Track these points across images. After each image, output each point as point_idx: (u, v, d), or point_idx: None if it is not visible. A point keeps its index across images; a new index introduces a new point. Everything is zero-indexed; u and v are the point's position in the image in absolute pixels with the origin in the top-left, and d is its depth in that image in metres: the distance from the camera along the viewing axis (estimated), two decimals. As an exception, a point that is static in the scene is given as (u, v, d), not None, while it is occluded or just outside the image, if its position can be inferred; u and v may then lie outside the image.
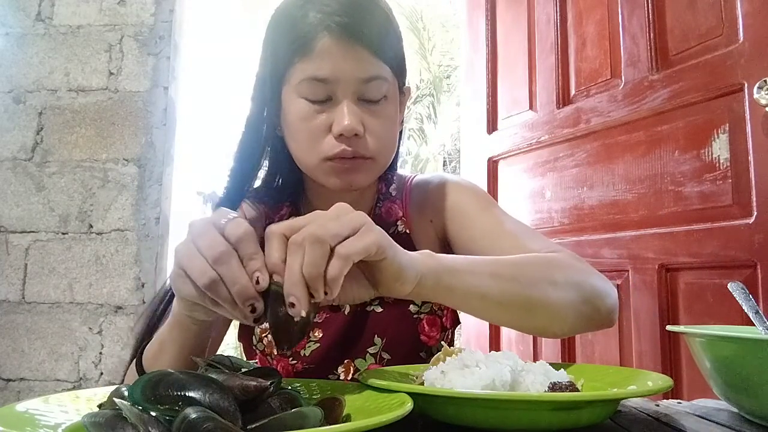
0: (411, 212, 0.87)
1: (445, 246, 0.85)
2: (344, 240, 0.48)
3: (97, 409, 0.42)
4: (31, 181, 1.99)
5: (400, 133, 0.87)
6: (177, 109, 2.10)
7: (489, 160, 1.95)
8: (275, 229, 0.49)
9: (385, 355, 0.80)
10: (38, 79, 2.04)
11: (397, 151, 0.91)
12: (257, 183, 0.86)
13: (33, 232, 1.97)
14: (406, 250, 0.55)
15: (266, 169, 0.86)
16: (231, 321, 0.87)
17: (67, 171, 1.99)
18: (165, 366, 0.60)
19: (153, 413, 0.38)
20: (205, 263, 0.47)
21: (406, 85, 0.82)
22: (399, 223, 0.85)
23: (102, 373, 1.90)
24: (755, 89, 1.22)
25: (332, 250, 0.47)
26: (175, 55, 2.08)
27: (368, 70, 0.70)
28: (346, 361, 0.81)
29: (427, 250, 0.59)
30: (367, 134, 0.72)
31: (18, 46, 2.06)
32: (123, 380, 0.70)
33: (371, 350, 0.80)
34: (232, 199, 0.83)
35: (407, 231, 0.85)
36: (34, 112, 2.03)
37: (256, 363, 0.84)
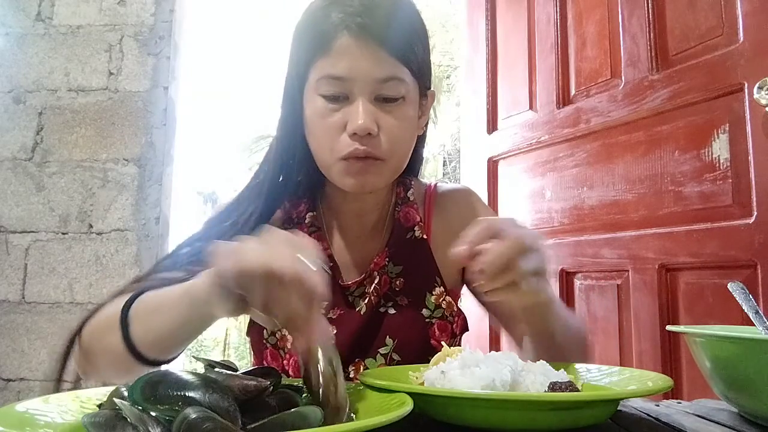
0: (433, 220, 0.87)
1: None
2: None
3: (97, 409, 0.42)
4: (31, 181, 1.99)
5: (423, 137, 0.88)
6: (177, 109, 2.10)
7: (489, 160, 1.95)
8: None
9: (396, 357, 0.80)
10: (38, 79, 2.04)
11: (420, 156, 0.92)
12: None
13: (33, 232, 1.97)
14: None
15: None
16: None
17: (67, 171, 1.99)
18: (157, 334, 0.59)
19: (153, 413, 0.38)
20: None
21: (431, 89, 0.83)
22: (416, 228, 0.86)
23: (102, 373, 1.90)
24: (755, 89, 1.22)
25: None
26: (175, 55, 2.08)
27: (385, 70, 0.71)
28: (356, 360, 0.81)
29: None
30: (381, 134, 0.72)
31: (18, 46, 2.06)
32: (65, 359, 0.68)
33: (382, 351, 0.81)
34: (271, 204, 0.80)
35: (424, 236, 0.85)
36: (34, 112, 2.03)
37: (266, 358, 0.84)
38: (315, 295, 0.46)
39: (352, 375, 0.81)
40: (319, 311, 0.48)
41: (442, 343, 0.82)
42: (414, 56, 0.74)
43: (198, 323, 0.57)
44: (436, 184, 0.92)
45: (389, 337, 0.81)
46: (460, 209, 0.88)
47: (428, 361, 0.80)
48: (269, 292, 0.46)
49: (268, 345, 0.83)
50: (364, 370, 0.80)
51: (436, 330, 0.82)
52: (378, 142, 0.72)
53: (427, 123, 0.86)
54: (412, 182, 0.91)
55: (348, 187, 0.75)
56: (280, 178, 0.80)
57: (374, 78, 0.71)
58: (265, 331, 0.83)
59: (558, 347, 0.70)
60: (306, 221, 0.86)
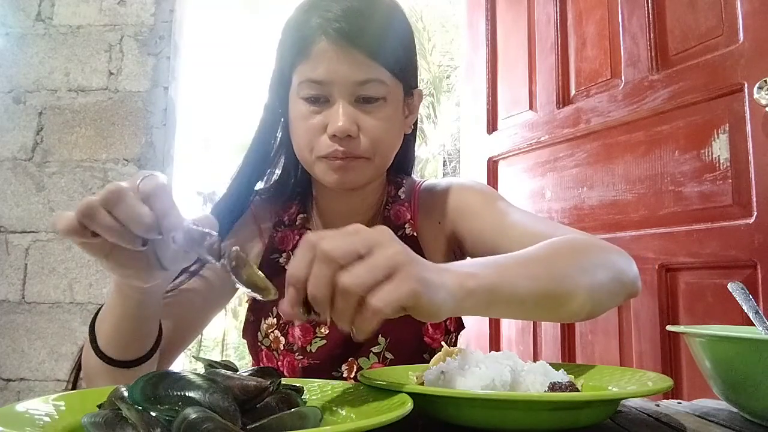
0: (419, 215, 0.88)
1: (454, 245, 0.86)
2: (377, 286, 0.43)
3: (97, 409, 0.42)
4: (31, 181, 1.99)
5: (413, 136, 0.89)
6: (177, 109, 2.10)
7: (489, 160, 1.95)
8: (313, 241, 0.44)
9: (389, 355, 0.81)
10: (38, 79, 2.04)
11: (412, 156, 0.93)
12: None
13: (33, 232, 1.97)
14: (442, 273, 0.48)
15: (281, 168, 0.88)
16: (216, 304, 0.84)
17: (67, 171, 1.99)
18: (107, 333, 0.62)
19: (153, 413, 0.38)
20: (94, 201, 0.46)
21: (418, 88, 0.84)
22: (407, 226, 0.86)
23: (102, 373, 1.90)
24: (755, 89, 1.22)
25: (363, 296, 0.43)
26: (175, 55, 2.08)
27: (363, 73, 0.73)
28: (350, 359, 0.81)
29: (463, 262, 0.55)
30: (362, 134, 0.74)
31: (18, 46, 2.06)
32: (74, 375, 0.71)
33: (375, 349, 0.81)
34: (241, 200, 0.84)
35: (414, 234, 0.86)
36: (34, 112, 2.03)
37: (262, 359, 0.84)
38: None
39: (345, 374, 0.81)
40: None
41: (442, 343, 0.82)
42: (394, 58, 0.75)
43: (128, 307, 0.60)
44: (422, 182, 0.92)
45: (381, 336, 0.81)
46: (438, 202, 0.87)
47: (422, 358, 0.81)
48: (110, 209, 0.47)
49: (263, 347, 0.84)
50: (357, 369, 0.81)
51: (430, 327, 0.82)
52: (357, 143, 0.74)
53: (417, 122, 0.87)
54: (404, 181, 0.91)
55: (330, 184, 0.77)
56: (251, 175, 0.84)
57: (352, 81, 0.72)
58: (259, 333, 0.84)
59: (540, 308, 0.58)
60: (297, 223, 0.87)
